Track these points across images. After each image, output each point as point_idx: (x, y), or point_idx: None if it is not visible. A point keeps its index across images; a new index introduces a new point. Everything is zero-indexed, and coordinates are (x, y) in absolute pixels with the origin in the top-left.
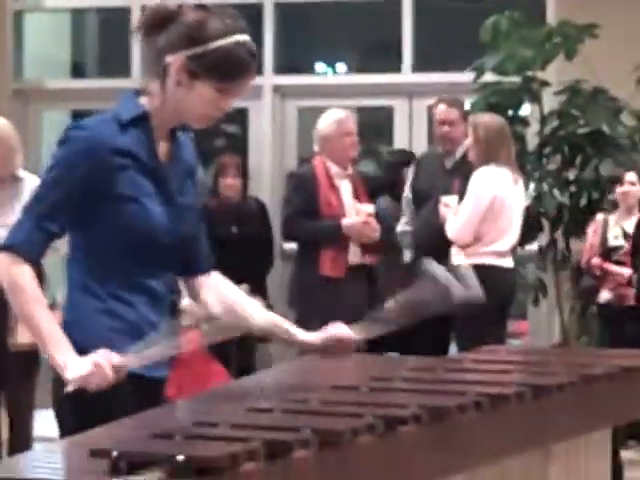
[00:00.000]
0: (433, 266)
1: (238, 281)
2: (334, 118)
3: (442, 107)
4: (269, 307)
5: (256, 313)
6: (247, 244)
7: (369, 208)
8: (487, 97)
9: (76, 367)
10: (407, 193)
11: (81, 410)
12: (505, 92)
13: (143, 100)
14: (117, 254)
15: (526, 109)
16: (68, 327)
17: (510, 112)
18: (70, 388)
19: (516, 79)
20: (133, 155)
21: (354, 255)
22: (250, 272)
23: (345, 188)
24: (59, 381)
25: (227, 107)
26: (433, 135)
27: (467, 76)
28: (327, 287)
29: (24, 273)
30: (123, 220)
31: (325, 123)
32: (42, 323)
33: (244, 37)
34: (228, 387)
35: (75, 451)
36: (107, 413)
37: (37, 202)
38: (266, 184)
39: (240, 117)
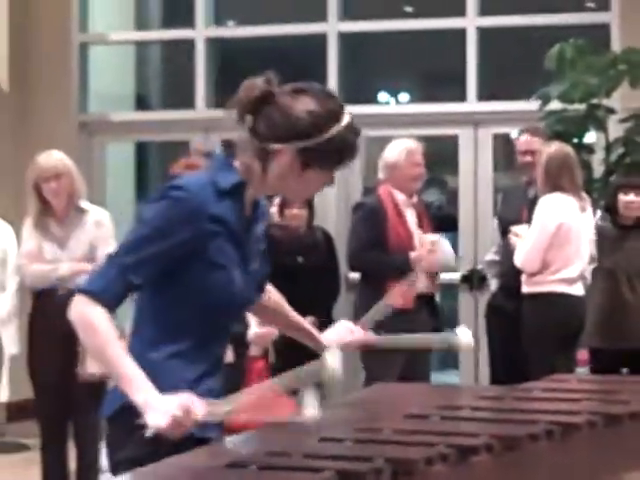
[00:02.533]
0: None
1: (304, 312)
2: (404, 147)
3: (525, 137)
4: None
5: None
6: (313, 274)
7: (433, 237)
8: (552, 125)
9: (155, 415)
10: (494, 223)
11: (133, 456)
12: (570, 120)
13: (238, 167)
14: (191, 317)
15: (591, 137)
16: None
17: (575, 140)
18: (149, 433)
19: (581, 107)
20: (226, 223)
21: (420, 285)
22: (316, 302)
23: (410, 217)
24: (114, 419)
25: (331, 183)
26: (515, 164)
27: (532, 104)
28: (394, 317)
29: (99, 314)
30: (209, 286)
31: (394, 151)
32: (119, 363)
33: (348, 118)
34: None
35: None
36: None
37: (125, 252)
38: (331, 214)
39: None
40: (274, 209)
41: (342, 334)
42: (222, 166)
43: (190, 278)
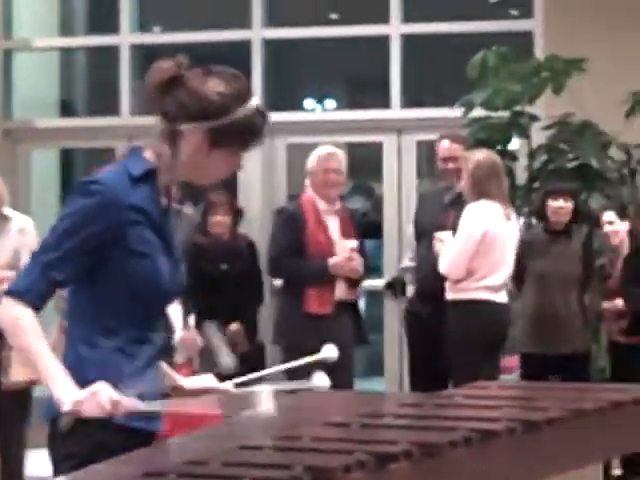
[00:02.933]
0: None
1: (229, 318)
2: (318, 154)
3: (446, 143)
4: (259, 344)
5: None
6: (237, 281)
7: (352, 243)
8: (476, 132)
9: (71, 394)
10: (410, 228)
11: (74, 452)
12: (494, 127)
13: (148, 155)
14: (124, 308)
15: (515, 144)
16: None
17: (499, 147)
18: (65, 408)
19: (505, 114)
20: (144, 211)
21: (340, 291)
22: (240, 309)
23: (333, 224)
24: (55, 421)
25: (240, 167)
26: (436, 170)
27: (456, 111)
28: (313, 324)
29: (23, 314)
30: (134, 275)
31: (311, 158)
32: (41, 360)
33: (255, 100)
34: (220, 425)
35: None
36: (96, 459)
37: (47, 250)
38: (255, 221)
39: None
40: (198, 216)
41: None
42: (132, 156)
43: (115, 270)
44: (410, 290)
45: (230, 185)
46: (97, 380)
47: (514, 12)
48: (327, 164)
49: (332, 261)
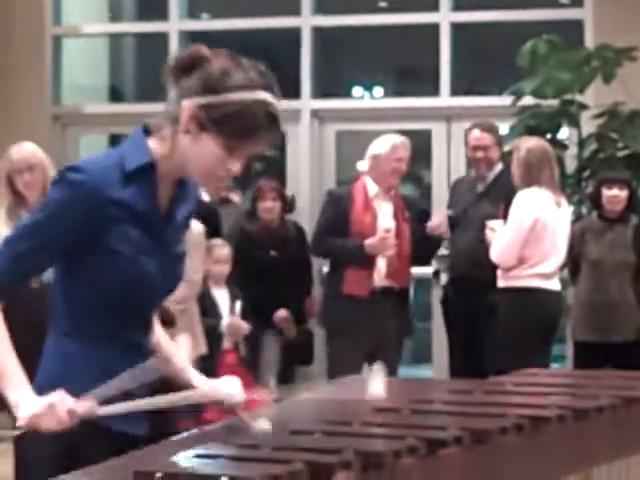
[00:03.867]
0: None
1: (277, 305)
2: (389, 141)
3: (476, 132)
4: (307, 331)
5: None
6: (286, 268)
7: (388, 224)
8: (525, 120)
9: (28, 405)
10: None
11: (48, 459)
12: (543, 115)
13: (152, 143)
14: (101, 307)
15: (564, 132)
16: (50, 375)
17: (548, 135)
18: (21, 424)
19: (554, 102)
20: (131, 208)
21: (379, 278)
22: (289, 296)
23: (386, 210)
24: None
25: (235, 169)
26: (469, 159)
27: (505, 100)
28: (350, 306)
29: None
30: (111, 275)
31: (379, 144)
32: (1, 356)
33: (267, 95)
34: (270, 410)
35: None
36: (74, 464)
37: (20, 239)
38: (304, 208)
39: (278, 141)
40: (247, 202)
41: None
42: (133, 145)
43: (93, 267)
44: (444, 278)
45: (279, 172)
46: (66, 379)
47: (565, 1)
48: (400, 153)
49: (368, 241)
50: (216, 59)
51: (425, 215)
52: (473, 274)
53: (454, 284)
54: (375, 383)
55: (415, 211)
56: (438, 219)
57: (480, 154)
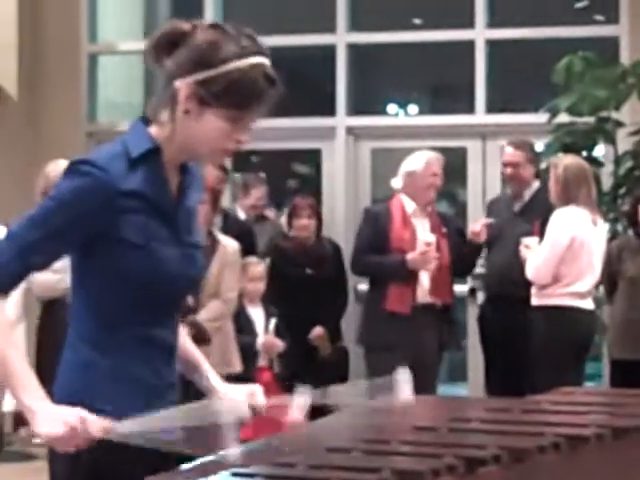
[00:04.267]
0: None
1: (313, 323)
2: (424, 157)
3: (509, 149)
4: (342, 349)
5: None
6: (322, 286)
7: (428, 237)
8: (561, 138)
9: (48, 422)
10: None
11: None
12: (579, 133)
13: (153, 130)
14: (127, 305)
15: (600, 150)
16: (75, 390)
17: (584, 153)
18: (39, 439)
19: (590, 120)
20: (143, 196)
21: (422, 294)
22: (325, 314)
23: (424, 226)
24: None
25: (242, 139)
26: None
27: (541, 117)
28: (392, 323)
29: None
30: (131, 269)
31: (413, 161)
32: (12, 364)
33: (261, 59)
34: (306, 428)
35: None
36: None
37: (26, 230)
38: (339, 225)
39: (313, 158)
40: (283, 220)
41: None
42: (135, 132)
43: (109, 260)
44: (480, 296)
45: (314, 189)
46: (86, 388)
47: (600, 17)
48: (435, 168)
49: (409, 256)
50: (200, 32)
51: (460, 233)
52: (510, 292)
53: (490, 302)
54: (402, 388)
55: (452, 228)
56: (479, 225)
57: (510, 171)
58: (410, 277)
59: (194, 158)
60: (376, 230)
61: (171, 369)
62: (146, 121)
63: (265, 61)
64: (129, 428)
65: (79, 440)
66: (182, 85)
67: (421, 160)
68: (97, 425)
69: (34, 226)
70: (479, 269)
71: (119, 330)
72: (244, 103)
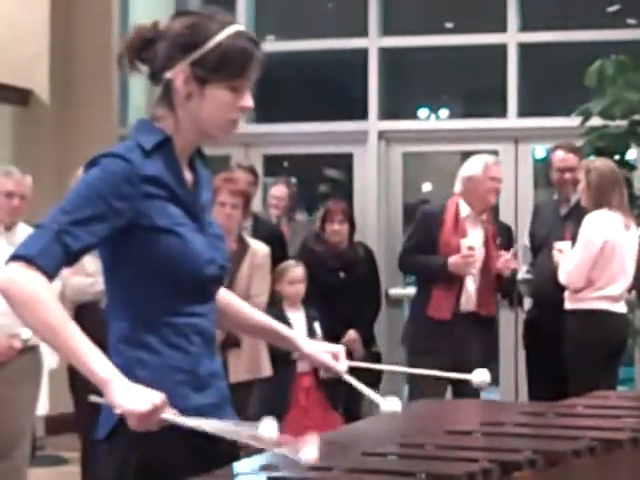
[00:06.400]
0: None
1: (346, 327)
2: (482, 160)
3: (561, 154)
4: (375, 353)
5: (247, 308)
6: (355, 290)
7: (471, 242)
8: (594, 142)
9: (131, 397)
10: (525, 241)
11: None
12: (612, 136)
13: (159, 124)
14: (162, 294)
15: (633, 153)
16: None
17: (617, 156)
18: (117, 412)
19: (623, 123)
20: (163, 183)
21: (466, 302)
22: (358, 318)
23: (476, 235)
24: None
25: (249, 104)
26: (552, 181)
27: (573, 121)
28: (433, 329)
29: (41, 285)
30: (162, 254)
31: (472, 165)
32: (73, 337)
33: (238, 26)
34: (342, 432)
35: None
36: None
37: (60, 215)
38: (371, 229)
39: (345, 162)
40: (317, 224)
41: (324, 352)
42: (142, 129)
43: (142, 251)
44: (527, 302)
45: (346, 193)
46: (150, 385)
47: (632, 21)
48: (494, 172)
49: (451, 259)
50: (173, 22)
51: (508, 233)
52: (558, 297)
53: (538, 307)
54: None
55: (504, 237)
56: (504, 259)
57: (568, 175)
58: (453, 283)
59: (204, 139)
60: (426, 231)
61: (213, 357)
62: (148, 120)
63: (240, 26)
64: (195, 422)
65: (155, 421)
66: (176, 72)
67: (480, 164)
68: (171, 412)
69: (66, 212)
70: (526, 274)
71: (156, 323)
72: (240, 69)
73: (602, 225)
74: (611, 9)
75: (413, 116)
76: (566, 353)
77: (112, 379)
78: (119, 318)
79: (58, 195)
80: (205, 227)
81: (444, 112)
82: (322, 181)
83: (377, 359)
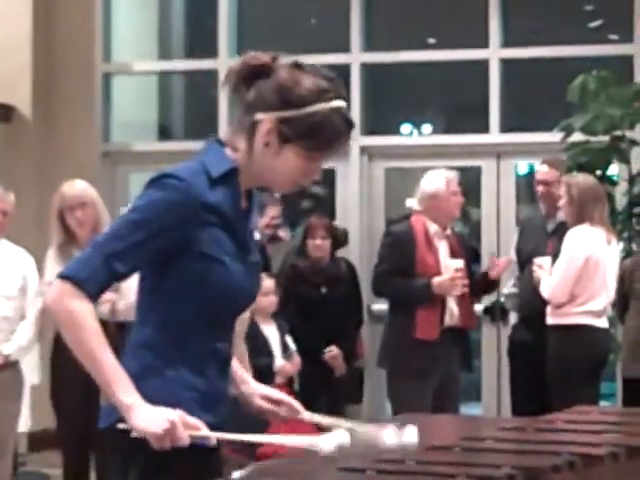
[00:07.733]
0: None
1: (328, 342)
2: (443, 176)
3: (543, 168)
4: (358, 369)
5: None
6: (337, 305)
7: (458, 263)
8: (575, 157)
9: (148, 419)
10: (512, 255)
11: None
12: (593, 152)
13: (229, 153)
14: (194, 316)
15: (614, 169)
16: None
17: (599, 172)
18: (135, 435)
19: (604, 139)
20: (220, 212)
21: (450, 318)
22: (340, 333)
23: (443, 249)
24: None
25: (314, 174)
26: (536, 196)
27: (555, 136)
28: (420, 349)
29: (85, 308)
30: (204, 280)
31: (433, 181)
32: (105, 362)
33: (340, 103)
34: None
35: None
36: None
37: (112, 239)
38: (353, 245)
39: (328, 178)
40: (297, 239)
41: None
42: (213, 154)
43: (184, 273)
44: (512, 317)
45: (328, 209)
46: (160, 394)
47: (614, 36)
48: (455, 186)
49: (436, 281)
50: (282, 69)
51: (474, 254)
52: (544, 312)
53: (524, 322)
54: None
55: (467, 248)
56: (502, 266)
57: (541, 188)
58: (436, 302)
59: (266, 187)
60: (400, 253)
61: (226, 380)
62: (221, 144)
63: (344, 104)
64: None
65: (174, 439)
66: (264, 119)
67: (441, 180)
68: (193, 427)
69: (119, 236)
70: (512, 289)
71: (185, 344)
72: (324, 145)
73: (585, 240)
74: (593, 24)
75: (396, 131)
76: (549, 368)
77: (132, 404)
78: (145, 323)
79: (40, 212)
80: (247, 255)
81: (427, 128)
82: (304, 196)
83: (359, 375)
